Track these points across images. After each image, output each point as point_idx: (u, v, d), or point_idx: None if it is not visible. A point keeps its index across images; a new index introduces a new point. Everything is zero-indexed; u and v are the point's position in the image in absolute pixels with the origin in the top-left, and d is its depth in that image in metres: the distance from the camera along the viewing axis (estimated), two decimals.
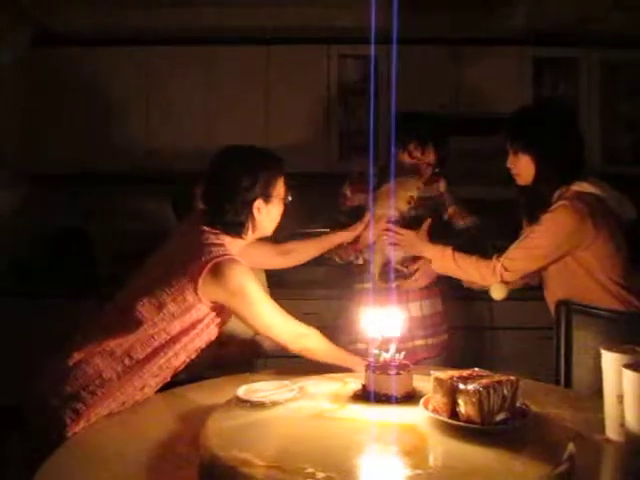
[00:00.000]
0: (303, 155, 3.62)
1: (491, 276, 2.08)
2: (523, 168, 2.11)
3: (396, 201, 2.38)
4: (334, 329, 2.75)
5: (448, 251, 2.17)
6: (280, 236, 3.75)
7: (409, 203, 2.41)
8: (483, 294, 3.31)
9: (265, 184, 1.85)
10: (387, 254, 2.38)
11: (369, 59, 3.34)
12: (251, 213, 1.83)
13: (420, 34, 3.52)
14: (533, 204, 2.12)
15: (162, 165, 3.53)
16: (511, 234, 3.77)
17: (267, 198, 1.85)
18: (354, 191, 2.54)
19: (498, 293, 2.12)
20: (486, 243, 2.55)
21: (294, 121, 3.63)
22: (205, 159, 3.42)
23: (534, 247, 2.04)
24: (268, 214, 1.88)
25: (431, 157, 2.47)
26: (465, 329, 3.20)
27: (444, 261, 2.18)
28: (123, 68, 3.59)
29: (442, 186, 2.57)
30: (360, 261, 2.48)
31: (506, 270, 2.06)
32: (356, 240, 2.40)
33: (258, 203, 1.83)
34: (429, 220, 2.31)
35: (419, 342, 2.44)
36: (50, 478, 1.28)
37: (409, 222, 2.39)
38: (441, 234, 2.43)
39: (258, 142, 3.48)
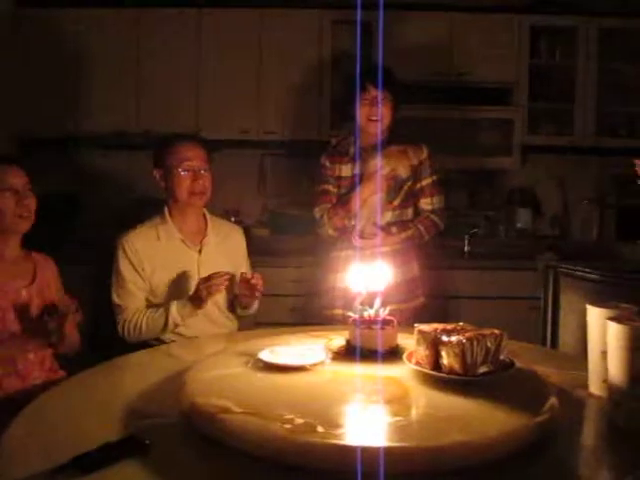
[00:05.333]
0: (295, 123, 3.58)
1: None
2: None
3: (396, 165, 2.49)
4: (314, 296, 2.79)
5: None
6: (276, 203, 3.79)
7: (410, 170, 2.50)
8: (473, 262, 3.35)
9: None
10: (374, 211, 2.47)
11: (364, 26, 3.28)
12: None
13: (416, 0, 3.47)
14: None
15: (150, 130, 3.48)
16: (509, 202, 3.76)
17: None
18: (333, 161, 2.58)
19: None
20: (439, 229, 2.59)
21: (286, 88, 3.58)
22: (194, 124, 3.46)
23: None
24: None
25: (387, 102, 2.46)
26: (452, 298, 3.20)
27: None
28: (111, 29, 3.51)
29: (425, 152, 2.56)
30: (353, 222, 2.51)
31: None
32: (348, 201, 2.48)
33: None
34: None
35: (392, 307, 2.40)
36: (32, 423, 1.27)
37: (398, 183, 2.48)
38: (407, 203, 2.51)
39: (249, 109, 3.57)
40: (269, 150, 3.80)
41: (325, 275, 2.64)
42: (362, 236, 2.49)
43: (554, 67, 3.67)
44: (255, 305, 2.22)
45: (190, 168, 2.13)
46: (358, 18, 2.73)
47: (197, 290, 2.00)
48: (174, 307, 2.03)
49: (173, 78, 3.53)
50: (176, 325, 2.05)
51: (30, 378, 1.81)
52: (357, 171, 2.53)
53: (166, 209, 2.20)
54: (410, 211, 2.57)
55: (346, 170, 2.56)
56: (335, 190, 2.58)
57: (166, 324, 2.04)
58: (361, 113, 2.48)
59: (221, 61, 3.54)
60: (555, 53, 3.64)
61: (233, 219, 3.33)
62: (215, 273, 1.98)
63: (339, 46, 3.58)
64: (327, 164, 2.59)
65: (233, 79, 3.55)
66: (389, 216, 2.52)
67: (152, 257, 2.12)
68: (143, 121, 3.52)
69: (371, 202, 2.48)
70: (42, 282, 1.92)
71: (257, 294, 2.11)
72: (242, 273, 2.12)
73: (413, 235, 2.53)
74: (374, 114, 2.45)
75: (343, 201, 2.53)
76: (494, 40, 3.55)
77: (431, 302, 2.66)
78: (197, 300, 2.01)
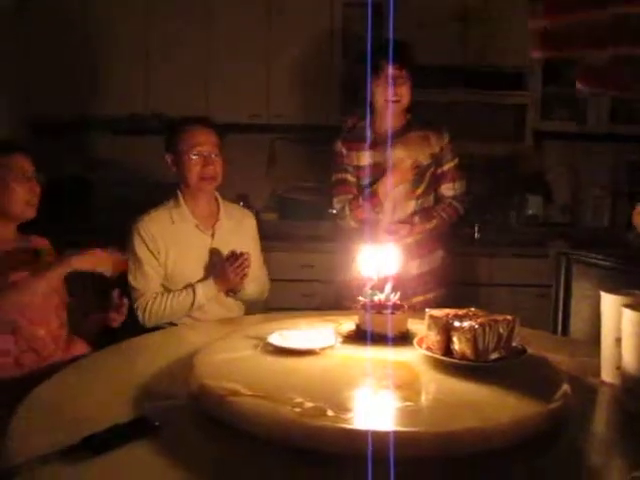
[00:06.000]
0: (305, 107, 3.55)
1: None
2: None
3: (418, 154, 2.36)
4: (329, 284, 2.71)
5: None
6: (285, 188, 3.77)
7: (431, 157, 2.39)
8: (483, 249, 3.33)
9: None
10: (399, 203, 2.36)
11: (375, 8, 3.22)
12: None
13: None
14: None
15: (161, 113, 3.46)
16: (520, 188, 3.72)
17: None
18: (350, 148, 2.43)
19: None
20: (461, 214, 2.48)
21: (296, 72, 3.55)
22: (205, 107, 3.43)
23: None
24: None
25: (405, 80, 2.32)
26: (463, 285, 3.18)
27: None
28: (122, 12, 3.49)
29: (446, 137, 2.43)
30: (381, 215, 2.39)
31: None
32: (374, 194, 2.36)
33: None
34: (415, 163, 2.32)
35: (418, 299, 2.39)
36: (43, 403, 1.27)
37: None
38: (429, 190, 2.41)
39: (259, 92, 3.54)
40: (278, 134, 3.78)
41: (345, 265, 2.43)
42: (388, 231, 2.35)
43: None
44: (250, 290, 2.18)
45: (201, 153, 2.12)
46: None
47: (223, 272, 2.02)
48: (200, 289, 2.05)
49: (183, 61, 3.51)
50: (200, 306, 2.07)
51: (46, 354, 1.81)
52: (376, 159, 2.39)
53: (179, 193, 2.19)
54: (431, 198, 2.46)
55: (364, 158, 2.41)
56: (354, 179, 2.44)
57: (192, 305, 2.06)
58: (377, 94, 2.35)
59: (231, 44, 3.51)
60: None
61: (242, 204, 3.32)
62: (237, 255, 2.00)
63: (350, 29, 3.54)
64: (343, 151, 2.44)
65: (243, 62, 3.52)
66: (412, 205, 2.41)
67: (167, 241, 2.11)
68: (153, 104, 3.51)
69: (396, 194, 2.36)
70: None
71: (241, 276, 2.07)
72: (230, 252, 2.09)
73: (437, 225, 2.42)
74: (395, 95, 2.31)
75: (367, 194, 2.38)
76: (509, 24, 3.50)
77: (451, 291, 2.57)
78: (224, 282, 2.04)
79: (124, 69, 3.52)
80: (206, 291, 2.05)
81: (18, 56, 3.49)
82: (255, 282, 2.18)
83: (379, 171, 2.37)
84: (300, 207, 3.65)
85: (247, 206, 3.21)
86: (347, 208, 2.42)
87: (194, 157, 2.12)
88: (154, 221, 2.13)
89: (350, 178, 2.44)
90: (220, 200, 2.25)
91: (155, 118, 3.47)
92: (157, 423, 1.13)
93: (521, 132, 3.53)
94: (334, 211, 2.50)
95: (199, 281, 2.08)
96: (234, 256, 2.02)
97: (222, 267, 2.04)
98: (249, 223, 2.31)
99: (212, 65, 3.53)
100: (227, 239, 2.17)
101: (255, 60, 3.53)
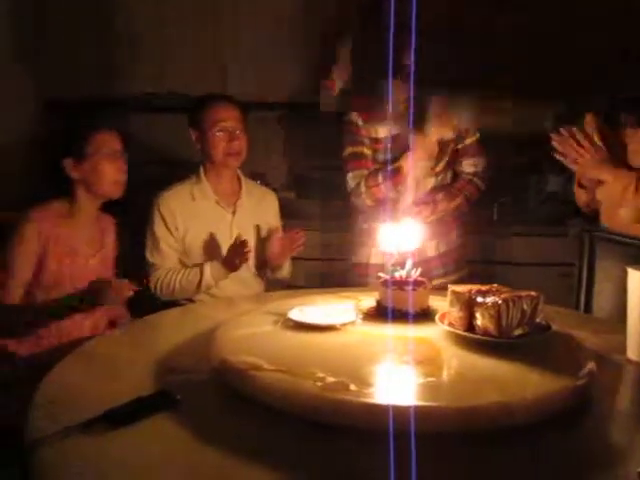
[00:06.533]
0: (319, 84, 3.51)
1: None
2: None
3: (441, 128, 2.21)
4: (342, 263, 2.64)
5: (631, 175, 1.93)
6: (298, 166, 3.74)
7: (455, 131, 2.27)
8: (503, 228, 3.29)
9: None
10: (420, 180, 2.23)
11: None
12: None
13: None
14: None
15: (176, 92, 3.45)
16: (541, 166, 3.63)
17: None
18: (367, 119, 2.26)
19: (630, 215, 1.89)
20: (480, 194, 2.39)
21: (311, 47, 3.49)
22: (221, 86, 3.41)
23: None
24: None
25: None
26: (483, 264, 3.15)
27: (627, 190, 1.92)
28: None
29: (467, 108, 2.30)
30: (404, 194, 2.21)
31: None
32: (398, 171, 2.19)
33: None
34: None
35: (439, 281, 2.30)
36: (65, 378, 1.27)
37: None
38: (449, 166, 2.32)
39: (273, 70, 3.50)
40: (295, 112, 3.74)
41: (357, 249, 2.39)
42: (410, 212, 2.17)
43: None
44: (286, 267, 2.21)
45: (225, 129, 2.11)
46: None
47: (229, 256, 2.01)
48: (208, 269, 2.04)
49: (198, 40, 3.48)
50: (208, 287, 2.06)
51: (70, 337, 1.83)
52: (396, 132, 2.23)
53: (202, 169, 2.18)
54: (450, 174, 2.35)
55: (383, 130, 2.24)
56: (370, 153, 2.27)
57: (199, 285, 2.05)
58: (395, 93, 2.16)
59: (243, 22, 3.48)
60: None
61: (259, 182, 3.31)
62: (242, 241, 1.98)
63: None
64: (359, 122, 2.27)
65: (255, 40, 3.48)
66: (432, 182, 2.30)
67: (186, 217, 2.11)
68: (168, 83, 3.49)
69: (417, 170, 2.19)
70: (108, 248, 1.98)
71: (289, 253, 2.10)
72: (274, 232, 2.11)
73: (460, 204, 2.31)
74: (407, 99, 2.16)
75: (388, 172, 2.21)
76: None
77: (471, 271, 2.51)
78: (230, 265, 2.02)
79: (138, 48, 3.50)
80: (214, 272, 2.04)
81: (33, 37, 3.49)
82: (287, 261, 2.19)
83: (399, 145, 2.21)
84: (318, 185, 3.62)
85: (265, 184, 3.20)
86: (363, 185, 2.26)
87: (219, 133, 2.10)
88: (174, 197, 2.13)
89: (366, 151, 2.27)
90: (242, 178, 2.24)
91: (171, 96, 3.45)
92: (178, 397, 1.13)
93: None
94: (349, 188, 2.34)
95: (210, 262, 2.07)
96: (237, 241, 2.00)
97: (228, 251, 2.03)
98: (271, 201, 2.30)
99: (226, 43, 3.50)
100: (248, 217, 2.17)
101: (269, 36, 3.48)
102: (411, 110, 2.20)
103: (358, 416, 1.03)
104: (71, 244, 1.85)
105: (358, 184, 2.27)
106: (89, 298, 1.70)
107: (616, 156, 1.97)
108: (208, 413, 1.14)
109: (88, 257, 1.90)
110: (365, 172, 2.27)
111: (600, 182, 2.00)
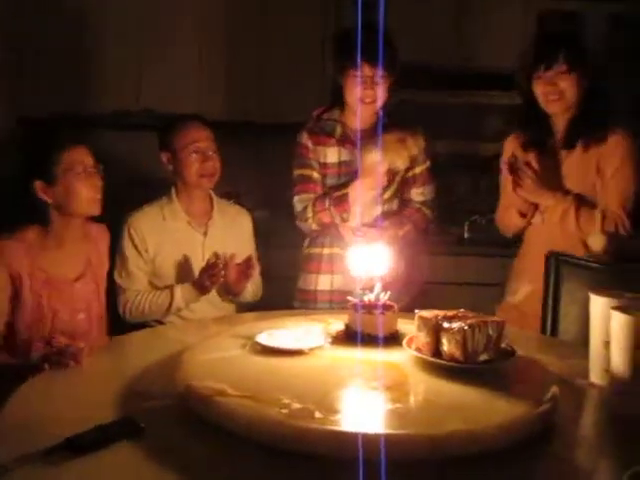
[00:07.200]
0: (295, 105, 3.53)
1: (610, 228, 1.96)
2: (569, 88, 2.00)
3: (394, 158, 2.10)
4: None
5: (569, 199, 2.00)
6: (276, 184, 3.74)
7: (410, 161, 2.15)
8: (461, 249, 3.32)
9: None
10: (367, 208, 2.14)
11: (370, 3, 3.19)
12: None
13: None
14: (576, 131, 2.03)
15: (152, 109, 3.44)
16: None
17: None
18: (316, 142, 2.19)
19: (600, 243, 1.93)
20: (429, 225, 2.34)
21: (288, 69, 3.52)
22: (197, 104, 3.41)
23: (630, 187, 1.99)
24: None
25: (384, 81, 2.08)
26: (441, 284, 3.13)
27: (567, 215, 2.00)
28: (109, 8, 3.45)
29: (422, 139, 2.17)
30: (349, 221, 2.15)
31: (628, 217, 1.97)
32: (343, 199, 2.12)
33: None
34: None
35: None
36: (28, 402, 1.26)
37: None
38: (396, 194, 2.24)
39: (251, 90, 3.52)
40: (270, 131, 3.75)
41: (303, 275, 2.28)
42: (357, 235, 2.12)
43: None
44: (250, 291, 2.18)
45: (199, 150, 2.09)
46: None
47: (200, 279, 1.99)
48: (178, 292, 2.02)
49: (175, 57, 3.48)
50: (179, 309, 2.04)
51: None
52: (344, 158, 2.18)
53: (173, 190, 2.16)
54: (396, 202, 2.25)
55: (332, 155, 2.19)
56: (319, 177, 2.20)
57: (169, 307, 2.03)
58: (348, 90, 2.11)
59: (224, 41, 3.49)
60: None
61: (232, 201, 3.30)
62: (213, 263, 1.96)
63: (343, 25, 3.52)
64: (309, 145, 2.19)
65: (235, 60, 3.50)
66: (378, 210, 2.18)
67: (157, 238, 2.10)
68: (144, 100, 3.48)
69: (364, 198, 2.12)
70: (96, 264, 1.87)
71: (245, 280, 2.06)
72: (231, 259, 2.04)
73: (409, 231, 2.21)
74: (368, 96, 2.09)
75: (336, 198, 2.13)
76: (500, 24, 3.50)
77: (429, 288, 2.45)
78: (201, 288, 2.00)
79: (115, 65, 3.48)
80: (185, 294, 2.02)
81: (9, 51, 3.45)
82: (251, 282, 2.15)
83: (347, 171, 2.17)
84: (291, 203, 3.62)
85: (239, 204, 3.19)
86: (310, 210, 2.17)
87: (193, 155, 2.09)
88: (145, 217, 2.12)
89: (315, 175, 2.20)
90: (214, 198, 2.23)
91: (145, 114, 3.44)
92: (142, 424, 1.11)
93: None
94: (295, 212, 2.23)
95: (181, 284, 2.05)
96: (209, 263, 1.98)
97: (199, 273, 2.01)
98: (244, 221, 2.29)
99: (205, 57, 3.50)
100: (220, 237, 2.15)
101: (247, 57, 3.51)
102: (359, 136, 2.13)
103: (322, 444, 1.02)
104: (48, 273, 1.74)
105: (305, 208, 2.19)
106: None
107: (553, 180, 2.04)
108: (173, 441, 1.12)
109: (71, 282, 1.79)
110: (312, 196, 2.19)
111: (537, 207, 2.08)
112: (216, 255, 1.99)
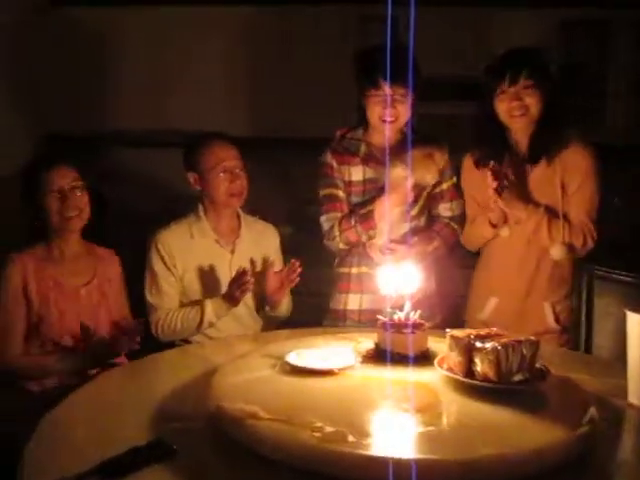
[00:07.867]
0: (320, 121, 3.54)
1: (580, 243, 2.02)
2: (534, 103, 2.00)
3: (424, 173, 2.08)
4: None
5: (541, 211, 2.02)
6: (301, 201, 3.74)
7: (439, 176, 2.13)
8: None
9: None
10: (395, 225, 2.12)
11: (393, 22, 3.19)
12: None
13: None
14: (541, 145, 2.04)
15: (179, 128, 3.47)
16: None
17: None
18: (341, 161, 2.19)
19: (561, 252, 2.01)
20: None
21: (313, 86, 3.53)
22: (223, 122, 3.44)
23: (595, 198, 2.05)
24: None
25: (406, 99, 2.06)
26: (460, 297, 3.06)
27: (540, 227, 2.02)
28: (138, 27, 3.51)
29: (447, 153, 2.16)
30: (376, 239, 2.14)
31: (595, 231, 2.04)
32: (369, 216, 2.10)
33: None
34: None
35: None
36: (59, 425, 1.26)
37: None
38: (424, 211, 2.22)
39: (275, 106, 3.53)
40: (294, 148, 3.76)
41: (334, 294, 2.27)
42: (384, 252, 2.10)
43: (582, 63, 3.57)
44: (285, 304, 2.19)
45: (227, 169, 2.09)
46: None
47: (230, 290, 2.00)
48: (209, 306, 2.02)
49: (201, 75, 3.52)
50: (210, 324, 2.04)
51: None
52: (369, 175, 2.17)
53: (201, 207, 2.16)
54: (424, 218, 2.23)
55: (357, 174, 2.17)
56: (344, 196, 2.19)
57: (201, 323, 2.03)
58: (370, 109, 2.10)
59: (246, 57, 3.52)
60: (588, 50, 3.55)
61: (258, 217, 3.31)
62: (242, 272, 1.97)
63: (366, 44, 3.53)
64: (334, 164, 2.19)
65: (259, 76, 3.52)
66: (405, 227, 2.15)
67: (185, 255, 2.10)
68: (171, 119, 3.51)
69: (391, 215, 2.09)
70: (102, 278, 1.97)
71: (287, 287, 2.08)
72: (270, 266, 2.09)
73: (438, 247, 2.18)
74: (389, 115, 2.07)
75: (361, 215, 2.12)
76: (524, 36, 3.47)
77: (463, 302, 2.32)
78: (231, 299, 2.00)
79: (141, 83, 3.53)
80: (215, 307, 2.02)
81: (38, 70, 3.53)
82: (286, 297, 2.16)
83: (373, 188, 2.16)
84: (316, 220, 3.62)
85: (264, 219, 3.20)
86: (337, 229, 2.16)
87: (221, 174, 2.09)
88: (173, 235, 2.12)
89: (341, 194, 2.19)
90: (242, 215, 2.23)
91: (169, 132, 3.48)
92: (174, 446, 1.11)
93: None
94: (323, 231, 2.22)
95: (210, 298, 2.05)
96: (238, 272, 1.98)
97: (229, 285, 2.02)
98: (271, 237, 2.29)
99: (230, 79, 3.53)
100: (248, 254, 2.16)
101: (272, 74, 3.53)
102: (387, 152, 2.08)
103: (357, 468, 1.01)
104: (55, 279, 1.87)
105: (332, 227, 2.18)
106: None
107: (522, 192, 2.04)
108: (205, 463, 1.12)
109: (77, 288, 1.90)
110: (339, 214, 2.17)
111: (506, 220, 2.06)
112: (243, 270, 1.99)
